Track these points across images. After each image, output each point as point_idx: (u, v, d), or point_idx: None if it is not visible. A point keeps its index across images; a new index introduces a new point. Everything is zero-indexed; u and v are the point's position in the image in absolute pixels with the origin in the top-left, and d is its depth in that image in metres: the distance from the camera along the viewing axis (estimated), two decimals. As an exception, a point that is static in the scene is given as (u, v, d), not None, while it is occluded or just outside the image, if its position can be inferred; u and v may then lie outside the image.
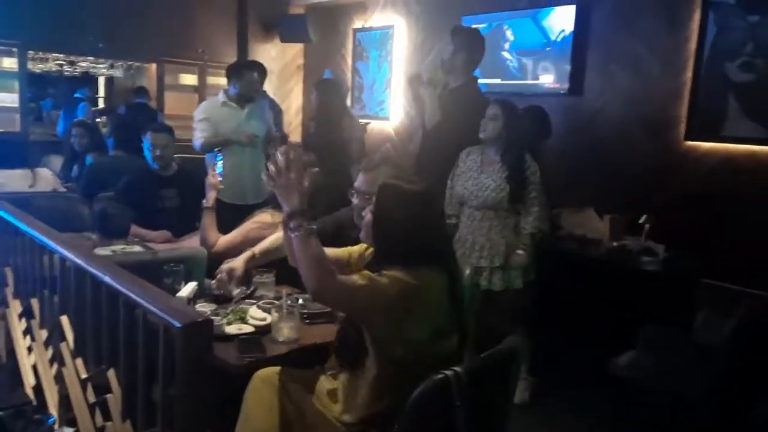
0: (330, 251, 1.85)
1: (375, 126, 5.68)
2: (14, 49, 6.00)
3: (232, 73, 4.06)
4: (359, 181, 2.15)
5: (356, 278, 1.49)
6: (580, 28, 4.10)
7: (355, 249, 2.04)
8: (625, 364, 2.62)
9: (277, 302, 2.05)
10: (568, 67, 4.17)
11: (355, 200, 2.14)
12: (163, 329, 1.45)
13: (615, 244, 3.39)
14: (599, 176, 3.96)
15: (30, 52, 6.49)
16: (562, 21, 4.20)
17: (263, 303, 2.11)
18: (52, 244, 1.97)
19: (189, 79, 7.17)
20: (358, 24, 6.25)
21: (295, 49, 7.20)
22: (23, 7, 5.91)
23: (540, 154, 3.10)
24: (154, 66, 6.96)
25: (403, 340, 1.48)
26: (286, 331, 1.91)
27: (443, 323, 1.56)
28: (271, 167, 1.56)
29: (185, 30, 6.87)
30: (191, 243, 3.12)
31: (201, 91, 6.98)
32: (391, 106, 5.83)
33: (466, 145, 3.03)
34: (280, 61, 7.18)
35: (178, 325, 1.38)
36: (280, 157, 1.54)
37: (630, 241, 3.40)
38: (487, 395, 1.49)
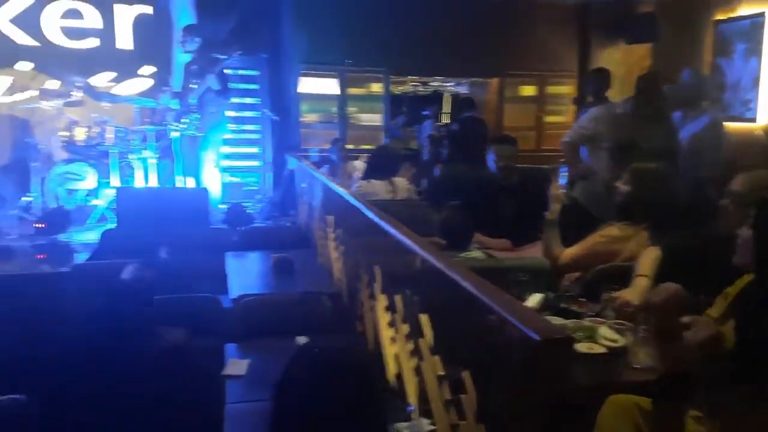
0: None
1: (739, 127, 4.94)
2: (380, 75, 6.93)
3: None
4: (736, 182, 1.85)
5: None
6: None
7: None
8: None
9: (630, 324, 1.89)
10: None
11: (730, 207, 1.85)
12: (520, 340, 1.44)
13: None
14: None
15: (392, 76, 7.41)
16: None
17: (615, 323, 1.96)
18: (414, 246, 2.16)
19: (528, 90, 7.28)
20: (720, 15, 5.51)
21: (641, 51, 6.71)
22: (389, 39, 6.77)
23: None
24: (495, 80, 7.26)
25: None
26: (642, 357, 1.74)
27: None
28: None
29: (525, 42, 7.01)
30: (532, 253, 3.12)
31: (540, 101, 7.01)
32: (760, 106, 4.99)
33: None
34: (624, 64, 6.77)
35: (536, 337, 1.35)
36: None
37: None
38: None
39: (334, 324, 3.03)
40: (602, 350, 1.81)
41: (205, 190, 5.67)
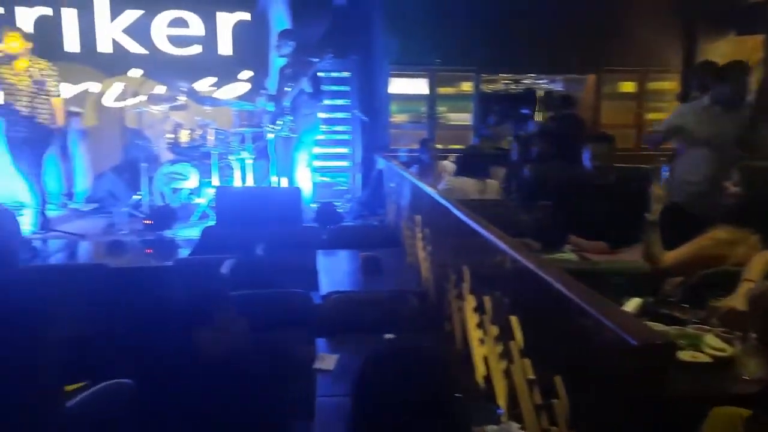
0: None
1: None
2: (471, 74, 6.87)
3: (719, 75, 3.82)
4: None
5: None
6: None
7: None
8: None
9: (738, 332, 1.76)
10: None
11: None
12: (616, 345, 1.37)
13: None
14: None
15: (482, 75, 7.31)
16: None
17: (723, 331, 1.84)
18: (505, 246, 2.12)
19: (628, 86, 6.97)
20: None
21: (752, 43, 6.25)
22: (479, 37, 6.69)
23: None
24: (592, 77, 7.00)
25: None
26: (752, 367, 1.61)
27: None
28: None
29: (624, 36, 6.71)
30: (630, 256, 2.98)
31: (640, 98, 6.70)
32: None
33: None
34: (733, 57, 6.33)
35: (634, 343, 1.28)
36: None
37: None
38: None
39: (421, 323, 3.03)
40: (707, 359, 1.70)
41: (298, 189, 5.84)
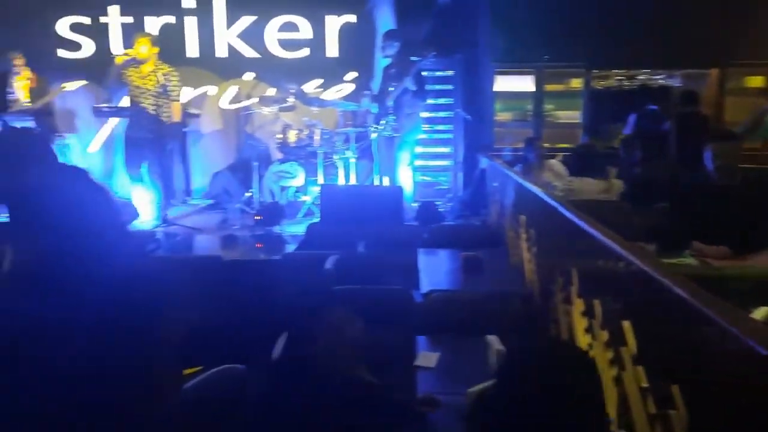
0: None
1: None
2: (581, 70, 6.62)
3: None
4: None
5: None
6: None
7: None
8: None
9: None
10: None
11: None
12: (743, 355, 1.27)
13: None
14: None
15: (594, 71, 7.03)
16: None
17: None
18: (619, 249, 2.02)
19: (756, 81, 6.44)
20: None
21: None
22: (590, 30, 6.44)
23: None
24: (714, 71, 6.53)
25: None
26: None
27: None
28: None
29: (752, 27, 6.20)
30: (758, 262, 2.75)
31: (770, 93, 6.17)
32: None
33: None
34: None
35: (765, 353, 1.18)
36: None
37: None
38: None
39: (524, 325, 2.96)
40: None
41: (400, 188, 5.89)
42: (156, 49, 5.64)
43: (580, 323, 2.39)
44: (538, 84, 7.16)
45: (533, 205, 3.48)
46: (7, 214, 1.49)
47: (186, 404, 1.63)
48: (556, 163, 5.58)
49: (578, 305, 2.44)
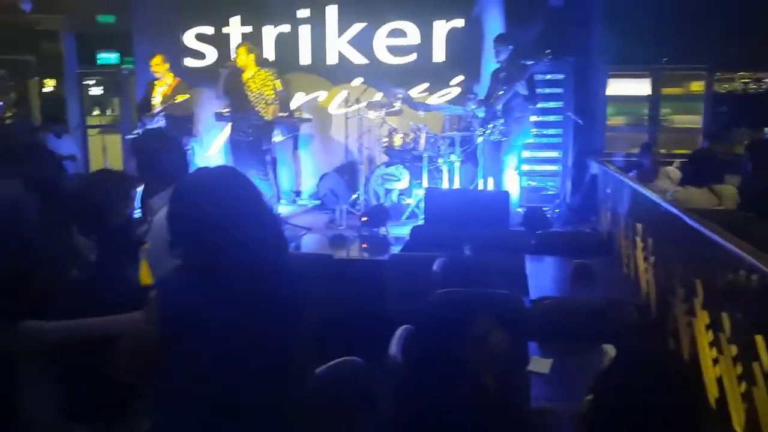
0: None
1: None
2: (702, 72, 6.26)
3: None
4: None
5: None
6: None
7: None
8: None
9: None
10: None
11: None
12: None
13: None
14: None
15: (716, 73, 6.63)
16: None
17: None
18: (753, 260, 1.93)
19: None
20: None
21: None
22: (713, 30, 6.08)
23: None
24: None
25: None
26: None
27: None
28: None
29: None
30: None
31: None
32: None
33: None
34: None
35: None
36: None
37: None
38: None
39: (639, 336, 2.87)
40: None
41: (506, 193, 5.83)
42: (252, 55, 5.98)
43: (705, 337, 2.30)
44: (655, 87, 6.83)
45: (652, 214, 3.36)
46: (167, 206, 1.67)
47: (319, 389, 1.74)
48: (672, 170, 5.31)
49: (702, 318, 2.34)
